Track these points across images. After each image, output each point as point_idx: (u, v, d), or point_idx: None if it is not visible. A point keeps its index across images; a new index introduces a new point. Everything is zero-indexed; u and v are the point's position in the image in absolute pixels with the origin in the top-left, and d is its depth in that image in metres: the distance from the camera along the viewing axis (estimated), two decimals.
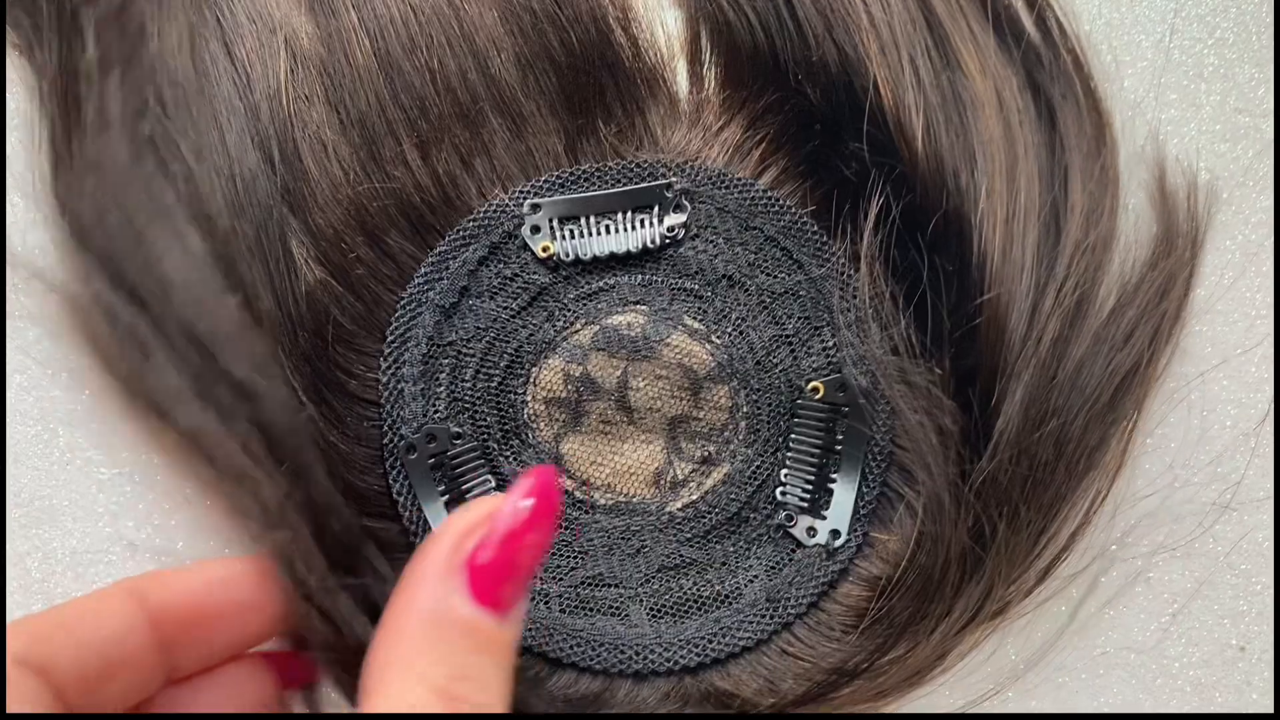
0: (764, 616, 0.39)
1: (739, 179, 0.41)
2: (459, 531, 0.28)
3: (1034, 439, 0.36)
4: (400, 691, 0.26)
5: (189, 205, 0.37)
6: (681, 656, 0.38)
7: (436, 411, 0.40)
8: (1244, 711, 0.40)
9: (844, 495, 0.40)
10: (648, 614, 0.39)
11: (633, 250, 0.41)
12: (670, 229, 0.41)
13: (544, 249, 0.41)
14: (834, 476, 0.40)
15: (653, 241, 0.41)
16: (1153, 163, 0.42)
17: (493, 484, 0.40)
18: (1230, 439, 0.41)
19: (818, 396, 0.40)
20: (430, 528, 0.39)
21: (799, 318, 0.41)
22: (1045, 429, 0.36)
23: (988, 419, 0.37)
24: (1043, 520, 0.37)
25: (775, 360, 0.40)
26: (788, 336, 0.41)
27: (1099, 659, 0.40)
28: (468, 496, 0.40)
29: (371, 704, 0.26)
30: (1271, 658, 0.40)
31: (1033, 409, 0.37)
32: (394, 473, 0.40)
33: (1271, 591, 0.40)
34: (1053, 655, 0.39)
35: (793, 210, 0.41)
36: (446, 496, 0.40)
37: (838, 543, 0.39)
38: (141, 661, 0.29)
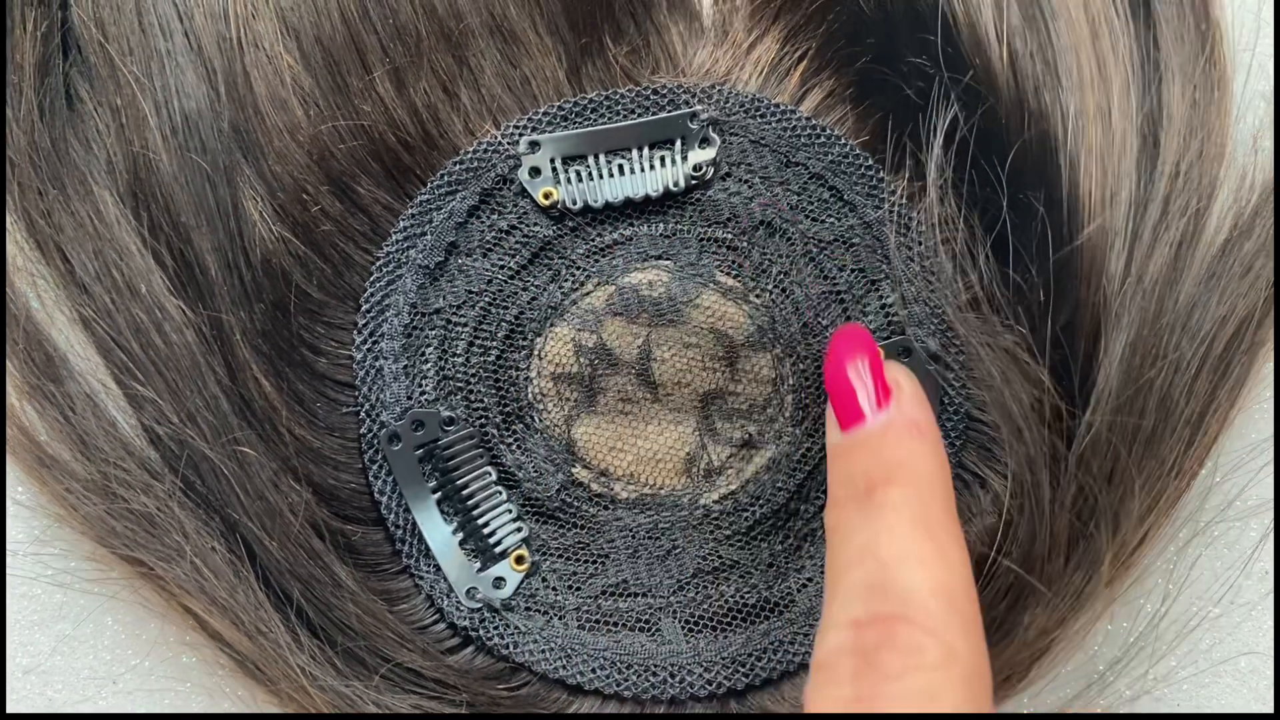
0: None
1: (777, 105, 0.35)
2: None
3: (1139, 390, 0.30)
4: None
5: (111, 159, 0.33)
6: (725, 678, 0.32)
7: (423, 393, 0.34)
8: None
9: None
10: (683, 628, 0.33)
11: (652, 194, 0.34)
12: (697, 167, 0.34)
13: (546, 195, 0.34)
14: None
15: (676, 183, 0.34)
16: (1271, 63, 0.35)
17: (493, 476, 0.33)
18: None
19: None
20: (420, 531, 0.33)
21: (852, 270, 0.34)
22: (1152, 378, 0.30)
23: (1086, 376, 0.31)
24: (1155, 485, 0.31)
25: (825, 321, 0.34)
26: (839, 293, 0.34)
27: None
28: (464, 493, 0.33)
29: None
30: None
31: (1137, 358, 0.30)
32: (375, 467, 0.33)
33: None
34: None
35: (842, 141, 0.34)
36: (439, 494, 0.33)
37: None
38: None
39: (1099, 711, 0.33)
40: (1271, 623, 0.34)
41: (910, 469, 0.27)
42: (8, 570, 0.33)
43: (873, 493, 0.26)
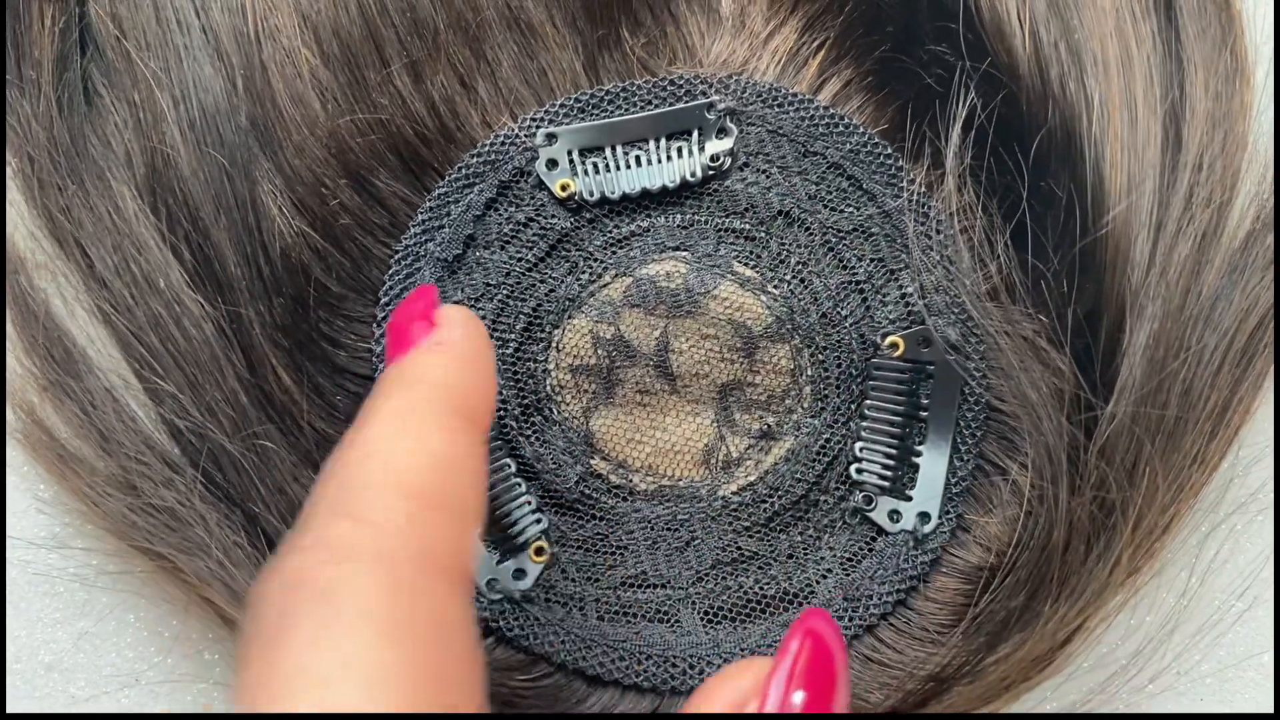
0: (841, 619, 0.33)
1: (794, 95, 0.34)
2: None
3: (1162, 383, 0.30)
4: None
5: (130, 154, 0.33)
6: None
7: None
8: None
9: (932, 471, 0.33)
10: (701, 618, 0.33)
11: (669, 185, 0.34)
12: (714, 158, 0.34)
13: (563, 187, 0.34)
14: (919, 449, 0.33)
15: (693, 174, 0.34)
16: None
17: (512, 468, 0.34)
18: None
19: (897, 353, 0.33)
20: None
21: (871, 259, 0.34)
22: (1175, 370, 0.30)
23: (1108, 369, 0.31)
24: (1176, 476, 0.31)
25: (844, 312, 0.34)
26: (859, 283, 0.34)
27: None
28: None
29: None
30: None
31: (1160, 350, 0.30)
32: None
33: None
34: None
35: (861, 130, 0.34)
36: None
37: (927, 528, 0.33)
38: None
39: (1102, 712, 0.33)
40: None
41: (410, 374, 0.25)
42: (30, 566, 0.33)
43: (371, 400, 0.25)
